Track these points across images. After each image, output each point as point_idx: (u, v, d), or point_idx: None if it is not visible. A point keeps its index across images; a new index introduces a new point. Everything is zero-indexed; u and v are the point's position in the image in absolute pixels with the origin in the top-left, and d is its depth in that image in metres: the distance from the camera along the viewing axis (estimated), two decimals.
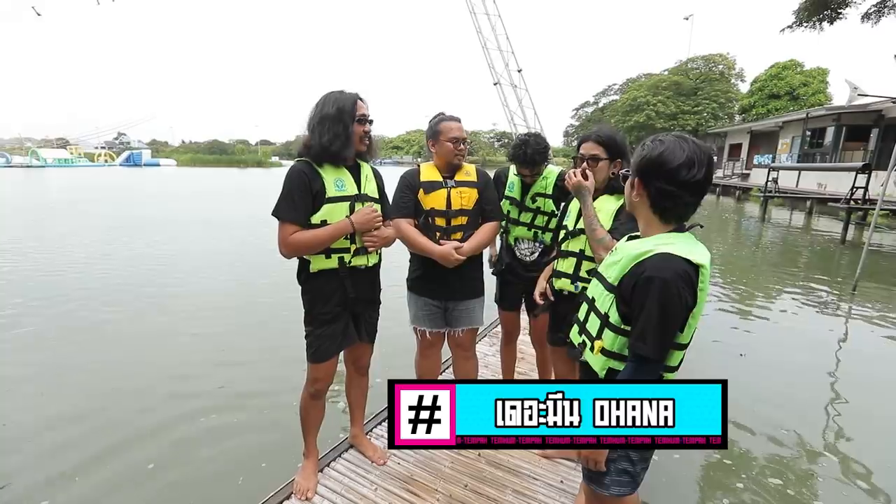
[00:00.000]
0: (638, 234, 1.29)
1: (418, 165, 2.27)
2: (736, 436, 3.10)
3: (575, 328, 1.39)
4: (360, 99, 1.88)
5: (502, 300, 2.60)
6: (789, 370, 4.24)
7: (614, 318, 1.20)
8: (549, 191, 2.35)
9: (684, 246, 1.13)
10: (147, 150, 69.63)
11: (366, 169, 1.97)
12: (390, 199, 2.14)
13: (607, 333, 1.22)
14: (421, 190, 2.17)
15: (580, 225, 1.82)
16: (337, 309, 1.90)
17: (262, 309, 5.62)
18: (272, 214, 1.78)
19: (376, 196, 1.97)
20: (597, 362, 1.25)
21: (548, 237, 2.41)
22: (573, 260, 1.88)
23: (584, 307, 1.35)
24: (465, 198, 2.18)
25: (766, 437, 3.12)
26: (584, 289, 1.49)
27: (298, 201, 1.75)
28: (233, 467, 2.70)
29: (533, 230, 2.41)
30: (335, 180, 1.82)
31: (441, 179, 2.19)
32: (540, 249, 2.43)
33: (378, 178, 2.03)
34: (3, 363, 4.04)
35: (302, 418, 2.07)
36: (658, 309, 1.08)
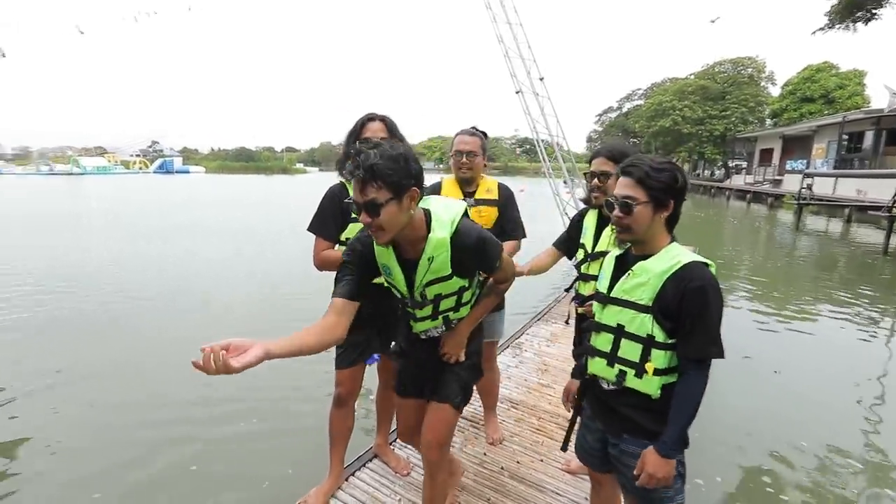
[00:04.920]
0: (619, 252, 1.37)
1: (441, 179, 2.26)
2: (771, 455, 2.99)
3: (600, 362, 1.33)
4: (374, 119, 1.87)
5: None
6: (828, 389, 4.05)
7: (661, 336, 1.22)
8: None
9: (691, 253, 1.24)
10: (179, 157, 71.93)
11: None
12: None
13: (657, 353, 1.22)
14: None
15: (600, 247, 1.80)
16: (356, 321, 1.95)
17: (297, 317, 5.65)
18: (307, 230, 1.92)
19: None
20: (650, 384, 1.24)
21: None
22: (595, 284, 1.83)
23: (607, 338, 1.31)
24: (485, 217, 2.17)
25: (802, 456, 2.99)
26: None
27: (328, 220, 1.89)
28: (259, 471, 2.76)
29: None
30: None
31: (460, 197, 2.17)
32: None
33: None
34: (39, 359, 4.25)
35: (329, 427, 2.09)
36: (716, 312, 1.18)
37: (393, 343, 1.67)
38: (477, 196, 2.19)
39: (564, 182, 10.23)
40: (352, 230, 1.87)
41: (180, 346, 4.67)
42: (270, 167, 73.15)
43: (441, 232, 1.35)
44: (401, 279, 1.42)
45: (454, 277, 1.41)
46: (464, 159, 2.14)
